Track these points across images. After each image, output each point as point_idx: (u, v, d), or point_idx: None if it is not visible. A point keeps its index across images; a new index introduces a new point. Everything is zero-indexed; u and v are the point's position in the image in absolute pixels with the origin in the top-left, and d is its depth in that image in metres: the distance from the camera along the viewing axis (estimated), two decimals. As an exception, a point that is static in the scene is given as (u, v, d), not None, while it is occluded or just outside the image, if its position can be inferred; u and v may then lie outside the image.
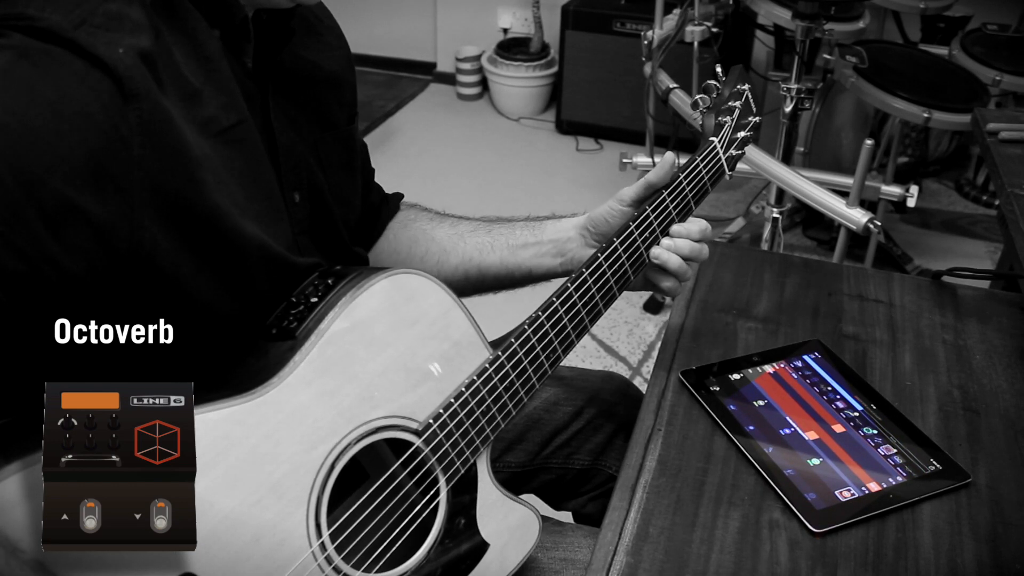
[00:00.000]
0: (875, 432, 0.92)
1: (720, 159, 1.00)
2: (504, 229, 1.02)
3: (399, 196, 1.09)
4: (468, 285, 1.03)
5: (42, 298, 0.62)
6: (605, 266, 0.90)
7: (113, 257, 0.65)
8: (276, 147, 0.81)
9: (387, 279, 0.76)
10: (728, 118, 1.02)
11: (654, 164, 0.95)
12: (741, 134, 1.02)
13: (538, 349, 0.85)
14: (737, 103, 1.04)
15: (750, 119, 1.05)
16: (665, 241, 0.94)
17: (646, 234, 0.93)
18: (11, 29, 0.62)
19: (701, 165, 0.98)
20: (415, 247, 1.04)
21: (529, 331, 0.84)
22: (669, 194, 0.94)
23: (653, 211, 0.93)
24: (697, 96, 1.03)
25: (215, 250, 0.70)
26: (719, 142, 1.00)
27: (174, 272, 0.68)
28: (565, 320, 0.87)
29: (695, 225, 0.95)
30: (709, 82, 1.03)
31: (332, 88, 0.91)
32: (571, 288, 0.88)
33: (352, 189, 0.95)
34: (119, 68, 0.63)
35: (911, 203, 2.19)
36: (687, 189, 0.96)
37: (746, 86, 1.06)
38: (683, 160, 0.99)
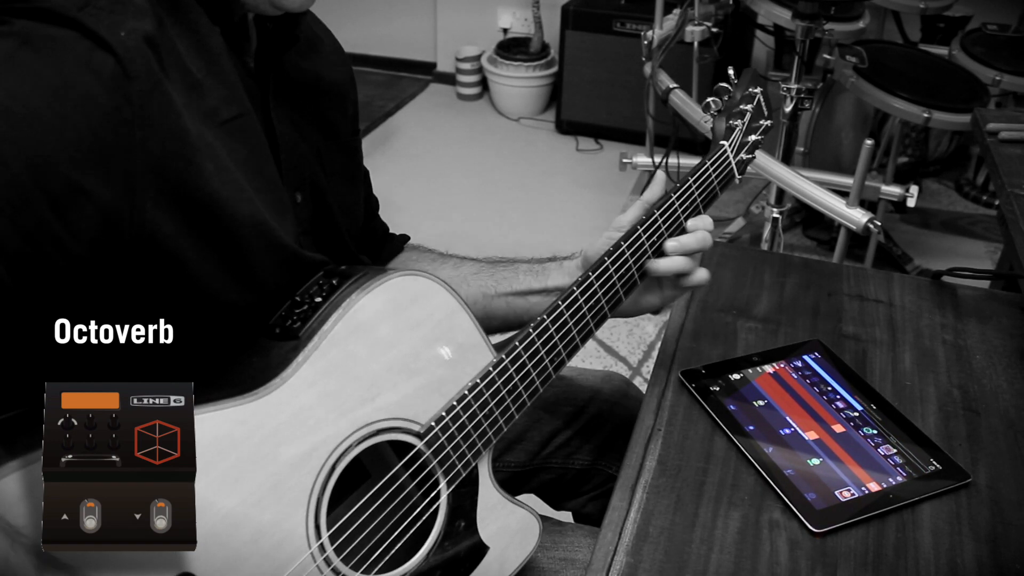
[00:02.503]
0: (875, 432, 0.92)
1: (730, 163, 0.99)
2: (508, 273, 0.99)
3: (404, 238, 1.07)
4: None
5: (47, 282, 0.62)
6: (612, 270, 0.89)
7: (118, 240, 0.65)
8: (277, 145, 0.81)
9: (392, 280, 0.76)
10: (739, 121, 1.01)
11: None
12: (752, 137, 1.01)
13: (542, 353, 0.85)
14: (749, 106, 1.02)
15: (761, 122, 1.03)
16: (670, 244, 0.93)
17: (653, 238, 0.92)
18: (13, 14, 0.62)
19: (711, 168, 0.97)
20: None
21: (534, 335, 0.84)
22: (678, 198, 0.93)
23: (661, 215, 0.92)
24: (709, 99, 1.01)
25: (216, 237, 0.70)
26: (729, 146, 0.99)
27: (178, 257, 0.68)
28: (570, 324, 0.87)
29: (703, 222, 0.95)
30: (721, 84, 1.02)
31: (334, 98, 0.91)
32: (576, 292, 0.87)
33: (354, 199, 0.95)
34: (120, 49, 0.63)
35: (911, 203, 2.19)
36: (696, 192, 0.95)
37: (758, 89, 1.04)
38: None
